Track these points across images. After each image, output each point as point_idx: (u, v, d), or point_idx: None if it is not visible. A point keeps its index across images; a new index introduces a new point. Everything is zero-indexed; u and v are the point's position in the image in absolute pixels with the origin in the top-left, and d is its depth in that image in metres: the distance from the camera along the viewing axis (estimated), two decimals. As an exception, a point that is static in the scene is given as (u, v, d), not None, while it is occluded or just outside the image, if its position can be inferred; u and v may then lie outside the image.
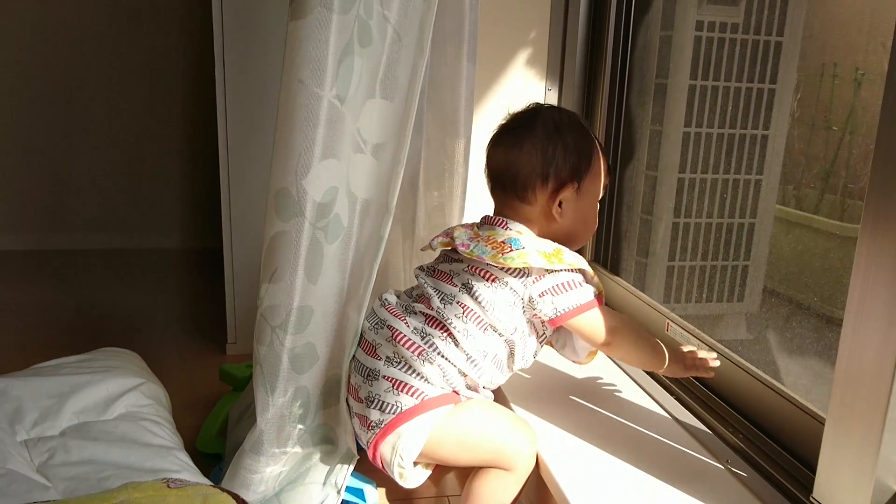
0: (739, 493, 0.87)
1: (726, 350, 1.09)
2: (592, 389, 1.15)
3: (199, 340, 1.81)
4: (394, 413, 0.92)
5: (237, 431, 1.11)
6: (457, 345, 0.94)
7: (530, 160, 1.00)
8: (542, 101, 1.09)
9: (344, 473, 0.99)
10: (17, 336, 1.82)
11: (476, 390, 0.99)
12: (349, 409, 1.01)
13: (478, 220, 1.06)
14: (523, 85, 1.62)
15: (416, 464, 0.96)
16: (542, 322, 0.99)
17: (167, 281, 2.43)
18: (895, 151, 0.66)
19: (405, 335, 0.95)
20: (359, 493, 1.02)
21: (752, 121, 1.48)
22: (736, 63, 1.47)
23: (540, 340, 1.02)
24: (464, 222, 1.08)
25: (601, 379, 1.20)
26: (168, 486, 0.76)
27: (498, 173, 1.04)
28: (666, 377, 1.14)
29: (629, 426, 1.03)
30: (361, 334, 1.02)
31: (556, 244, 0.98)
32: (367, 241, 1.01)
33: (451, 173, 1.28)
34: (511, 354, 0.99)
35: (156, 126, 2.67)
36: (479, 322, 0.95)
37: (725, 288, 1.55)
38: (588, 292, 0.97)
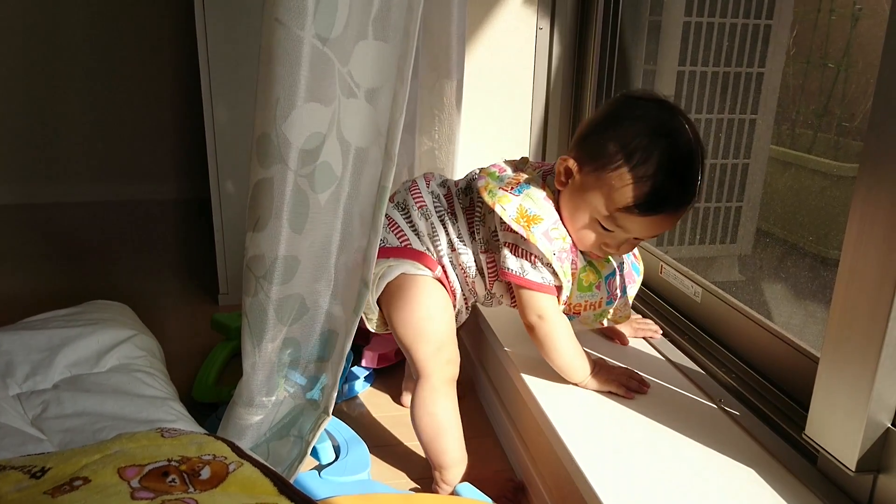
0: (732, 431, 0.88)
1: (719, 290, 1.09)
2: (584, 332, 1.15)
3: (192, 292, 1.80)
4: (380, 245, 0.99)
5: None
6: (456, 221, 1.01)
7: (593, 116, 0.96)
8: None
9: (318, 431, 0.98)
10: (5, 289, 1.81)
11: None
12: None
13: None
14: (514, 23, 1.57)
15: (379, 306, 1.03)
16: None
17: (157, 232, 2.41)
18: (897, 84, 0.64)
19: (420, 191, 1.04)
20: (314, 453, 1.02)
21: (747, 58, 1.45)
22: (732, -3, 1.43)
23: (493, 281, 1.03)
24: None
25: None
26: (162, 436, 0.75)
27: None
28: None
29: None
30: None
31: (548, 218, 0.93)
32: (367, 192, 0.97)
33: (441, 117, 1.24)
34: (480, 272, 1.03)
35: (141, 73, 2.60)
36: (473, 223, 1.01)
37: (719, 230, 1.54)
38: (540, 277, 0.94)
